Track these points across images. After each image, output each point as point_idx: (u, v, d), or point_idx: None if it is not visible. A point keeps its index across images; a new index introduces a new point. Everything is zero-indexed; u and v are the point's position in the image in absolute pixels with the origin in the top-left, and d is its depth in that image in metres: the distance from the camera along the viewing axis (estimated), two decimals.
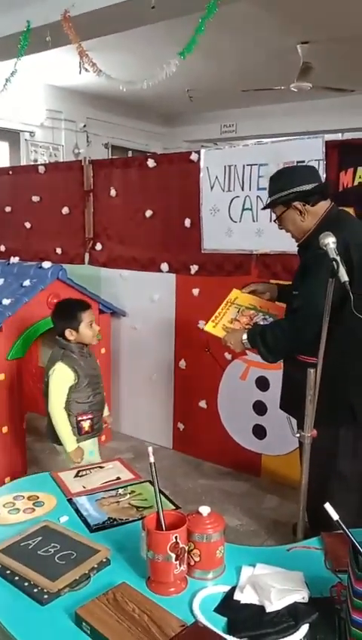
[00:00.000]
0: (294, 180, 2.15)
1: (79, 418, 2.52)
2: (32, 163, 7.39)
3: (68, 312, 2.56)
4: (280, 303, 2.46)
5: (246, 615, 1.21)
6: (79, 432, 2.53)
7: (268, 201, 2.26)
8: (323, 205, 2.17)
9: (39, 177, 4.23)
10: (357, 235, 2.08)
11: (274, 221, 2.30)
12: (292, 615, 1.18)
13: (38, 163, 6.33)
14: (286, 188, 2.15)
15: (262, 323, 2.31)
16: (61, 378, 2.49)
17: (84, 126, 8.34)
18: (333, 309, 1.75)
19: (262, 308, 2.41)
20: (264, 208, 2.37)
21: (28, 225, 4.34)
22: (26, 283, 3.29)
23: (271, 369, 3.17)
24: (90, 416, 2.56)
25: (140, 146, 9.30)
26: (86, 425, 2.54)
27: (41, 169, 4.23)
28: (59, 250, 4.16)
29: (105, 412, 2.75)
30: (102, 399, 2.67)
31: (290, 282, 2.50)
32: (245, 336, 2.21)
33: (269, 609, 1.20)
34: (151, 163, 3.58)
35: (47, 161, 7.62)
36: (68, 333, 2.52)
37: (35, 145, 7.82)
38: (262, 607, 1.22)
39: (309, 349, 2.09)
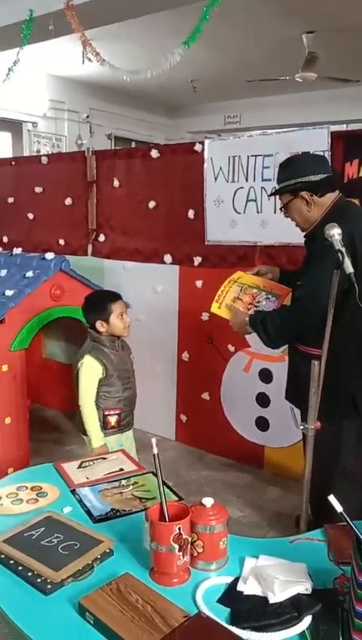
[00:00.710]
0: (303, 170, 2.12)
1: (106, 412, 2.49)
2: (35, 154, 7.36)
3: (98, 303, 2.53)
4: (281, 285, 2.43)
5: (249, 606, 1.21)
6: (105, 427, 2.50)
7: (275, 189, 2.23)
8: (331, 196, 2.14)
9: (42, 168, 4.21)
10: (361, 227, 2.06)
11: (281, 209, 2.27)
12: (296, 606, 1.18)
13: (41, 154, 6.31)
14: (294, 177, 2.12)
15: (264, 302, 2.31)
16: (89, 371, 2.46)
17: (87, 117, 8.30)
18: (337, 301, 1.74)
19: (266, 287, 2.39)
20: (271, 195, 2.34)
21: (31, 216, 4.33)
22: (29, 274, 3.28)
23: (274, 361, 3.17)
24: (117, 412, 2.52)
25: (143, 137, 9.26)
26: (113, 420, 2.51)
27: (44, 160, 4.21)
28: (62, 242, 4.15)
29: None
30: (133, 395, 2.62)
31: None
32: (248, 319, 2.22)
33: (272, 600, 1.20)
34: (154, 154, 3.56)
35: (50, 152, 7.59)
36: (99, 324, 2.49)
37: (37, 135, 7.79)
38: (265, 599, 1.22)
39: (310, 340, 2.08)
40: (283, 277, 2.46)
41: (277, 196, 2.29)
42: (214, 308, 2.40)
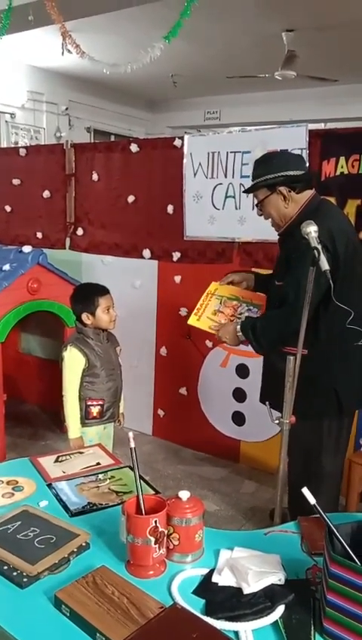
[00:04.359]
0: (283, 165, 2.11)
1: (88, 403, 2.53)
2: (13, 145, 7.25)
3: (85, 295, 2.56)
4: (258, 293, 2.43)
5: (223, 597, 1.22)
6: (87, 417, 2.54)
7: (254, 183, 2.19)
8: (307, 194, 2.14)
9: (20, 160, 4.16)
10: (339, 223, 2.07)
11: (257, 205, 2.25)
12: (269, 596, 1.20)
13: (19, 145, 6.22)
14: (275, 171, 2.10)
15: (246, 314, 2.28)
16: (71, 362, 2.50)
17: (66, 109, 8.21)
18: (321, 299, 1.74)
19: (245, 298, 2.38)
20: (246, 191, 2.31)
21: (8, 208, 4.28)
22: (6, 267, 3.25)
23: (251, 357, 3.20)
24: (100, 403, 2.55)
25: (123, 130, 9.20)
26: (95, 410, 2.55)
27: (22, 152, 4.16)
28: (39, 235, 4.11)
29: (121, 406, 2.74)
30: (117, 387, 2.65)
31: (270, 271, 2.49)
32: (239, 327, 2.17)
33: (246, 591, 1.22)
34: (134, 148, 3.55)
35: (28, 144, 7.49)
36: (85, 317, 2.52)
37: (15, 127, 7.68)
38: (239, 589, 1.24)
39: (293, 340, 2.09)
40: (259, 282, 2.43)
41: (253, 192, 2.26)
42: (193, 320, 2.37)
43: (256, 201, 2.26)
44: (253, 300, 2.38)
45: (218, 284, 2.45)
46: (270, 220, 2.25)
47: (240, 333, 2.17)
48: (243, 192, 2.49)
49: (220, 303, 2.38)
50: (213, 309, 2.36)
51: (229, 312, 2.33)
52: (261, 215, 2.26)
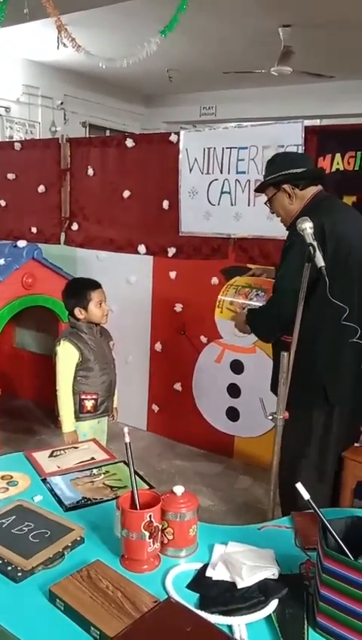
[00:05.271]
0: (286, 164, 2.19)
1: (83, 397, 2.54)
2: (8, 139, 7.22)
3: (77, 290, 2.56)
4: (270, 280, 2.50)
5: (217, 591, 1.23)
6: (81, 411, 2.55)
7: (261, 183, 2.29)
8: (312, 190, 2.20)
9: (15, 154, 4.14)
10: (334, 221, 2.08)
11: (265, 203, 2.32)
12: (263, 591, 1.21)
13: (14, 140, 6.19)
14: (278, 170, 2.19)
15: (255, 299, 2.39)
16: (65, 355, 2.50)
17: (62, 103, 8.17)
18: (306, 292, 1.77)
19: (256, 285, 2.47)
20: (256, 191, 2.40)
21: (3, 203, 4.26)
22: (1, 262, 3.24)
23: (245, 353, 3.21)
24: (94, 397, 2.56)
25: (118, 125, 9.17)
26: (89, 404, 2.56)
27: (17, 146, 4.14)
28: (34, 230, 4.09)
29: (115, 401, 2.74)
30: (111, 382, 2.66)
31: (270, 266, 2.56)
32: (245, 318, 2.30)
33: (240, 585, 1.23)
34: (129, 143, 3.54)
35: (23, 138, 7.45)
36: (77, 311, 2.53)
37: (10, 121, 7.63)
38: (233, 584, 1.24)
39: (289, 330, 2.12)
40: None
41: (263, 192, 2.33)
42: (217, 314, 2.49)
43: (265, 200, 2.34)
44: (262, 286, 2.46)
45: (239, 277, 2.56)
46: (280, 217, 2.32)
47: (246, 324, 2.30)
48: (254, 190, 2.58)
49: (235, 292, 2.47)
50: (230, 299, 2.47)
51: (241, 299, 2.43)
52: (273, 213, 2.34)
